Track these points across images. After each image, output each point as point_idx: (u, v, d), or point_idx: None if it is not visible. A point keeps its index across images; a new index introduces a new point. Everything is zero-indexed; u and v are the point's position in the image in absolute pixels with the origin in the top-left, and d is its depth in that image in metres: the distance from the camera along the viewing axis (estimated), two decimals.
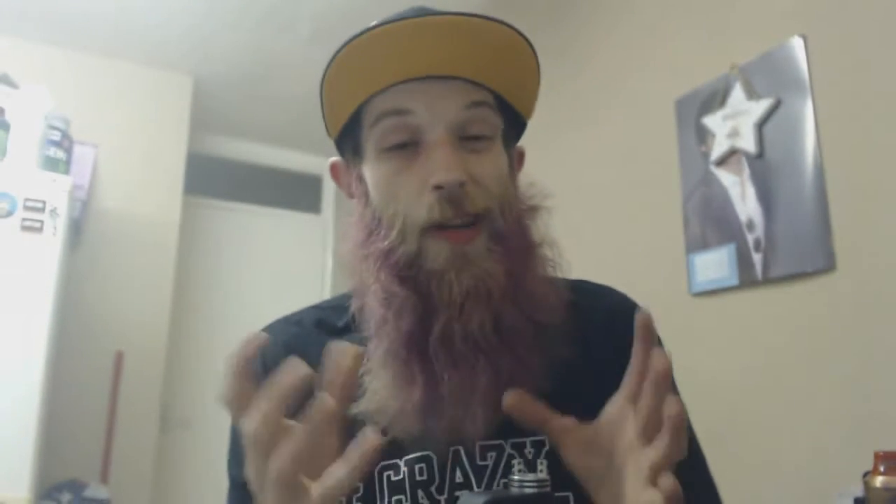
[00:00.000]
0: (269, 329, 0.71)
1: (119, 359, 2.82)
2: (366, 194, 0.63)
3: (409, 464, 0.60)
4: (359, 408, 0.59)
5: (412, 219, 0.58)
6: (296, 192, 3.99)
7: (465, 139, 0.60)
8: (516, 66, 0.61)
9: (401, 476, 0.60)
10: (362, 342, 0.61)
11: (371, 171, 0.62)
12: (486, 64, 0.59)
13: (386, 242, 0.59)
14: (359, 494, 0.61)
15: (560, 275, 0.64)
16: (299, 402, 0.42)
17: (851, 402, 1.38)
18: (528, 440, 0.61)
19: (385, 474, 0.61)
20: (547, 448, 0.60)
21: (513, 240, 0.60)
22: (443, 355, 0.56)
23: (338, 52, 0.58)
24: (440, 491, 0.60)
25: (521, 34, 0.58)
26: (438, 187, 0.57)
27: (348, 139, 0.65)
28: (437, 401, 0.56)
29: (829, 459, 1.39)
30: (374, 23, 0.58)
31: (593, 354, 0.64)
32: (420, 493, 0.60)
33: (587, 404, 0.58)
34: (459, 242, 0.57)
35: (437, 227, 0.57)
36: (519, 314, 0.58)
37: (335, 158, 0.70)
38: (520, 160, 0.71)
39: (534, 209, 0.65)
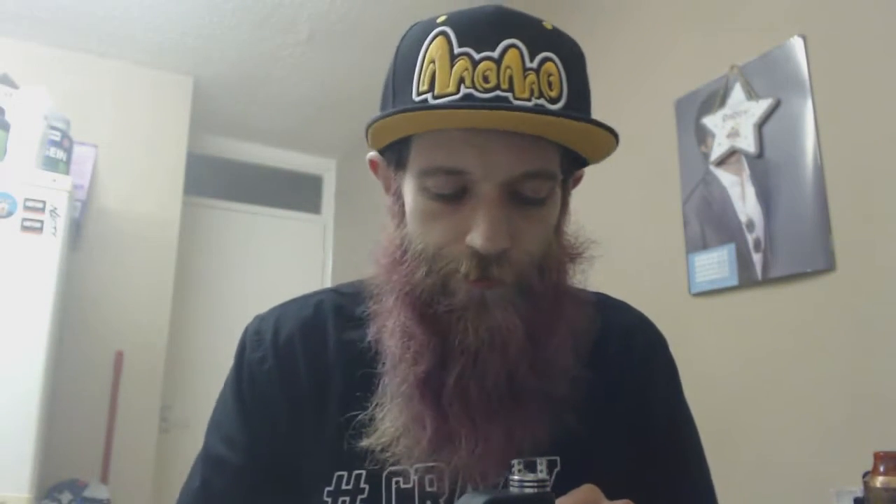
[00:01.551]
0: (286, 306, 0.70)
1: (119, 359, 2.82)
2: (401, 214, 0.60)
3: (420, 472, 0.59)
4: (368, 441, 0.58)
5: (438, 262, 0.55)
6: (296, 193, 3.99)
7: (518, 195, 0.55)
8: (591, 139, 0.56)
9: (410, 484, 0.60)
10: (377, 373, 0.60)
11: (412, 201, 0.58)
12: (556, 131, 0.54)
13: (409, 280, 0.56)
14: (364, 496, 0.61)
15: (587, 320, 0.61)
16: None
17: (851, 401, 1.38)
18: (537, 460, 0.60)
19: (394, 480, 0.60)
20: (558, 469, 0.60)
21: (542, 301, 0.56)
22: (457, 409, 0.55)
23: (400, 111, 0.53)
24: (450, 503, 0.59)
25: (606, 128, 0.53)
26: (476, 250, 0.53)
27: (393, 150, 0.60)
28: (447, 450, 0.55)
29: (829, 459, 1.39)
30: (453, 96, 0.52)
31: (608, 371, 0.64)
32: (429, 503, 0.60)
33: (600, 421, 0.59)
34: (480, 287, 0.54)
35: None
36: (533, 379, 0.55)
37: (375, 154, 0.65)
38: (576, 181, 0.67)
39: (574, 258, 0.62)
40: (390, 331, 0.57)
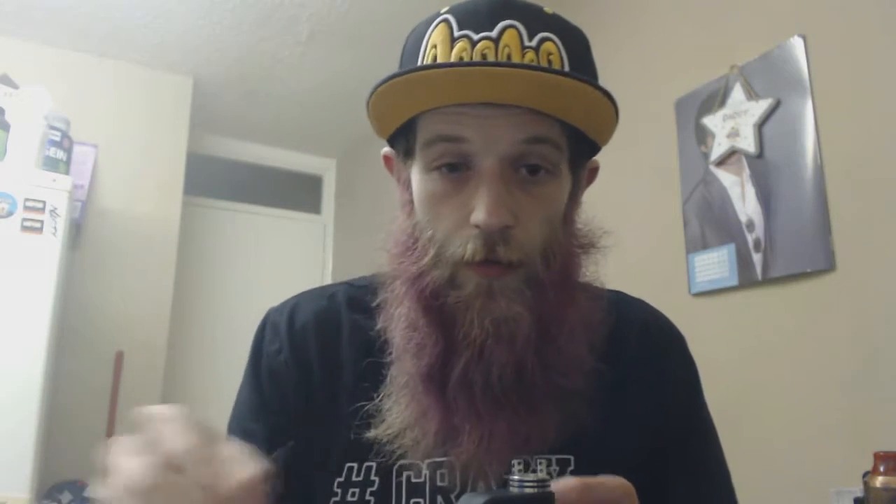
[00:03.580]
0: (302, 297, 0.70)
1: (119, 359, 2.82)
2: (410, 203, 0.60)
3: (432, 467, 0.59)
4: (375, 432, 0.58)
5: (447, 249, 0.55)
6: (296, 193, 3.99)
7: (521, 169, 0.55)
8: (587, 104, 0.55)
9: (421, 479, 0.59)
10: (385, 363, 0.60)
11: (418, 185, 0.58)
12: (552, 98, 0.53)
13: (417, 266, 0.56)
14: (374, 489, 0.60)
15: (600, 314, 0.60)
16: None
17: (851, 401, 1.38)
18: (553, 458, 0.59)
19: (405, 474, 0.60)
20: (572, 468, 0.60)
21: (551, 290, 0.55)
22: (462, 402, 0.54)
23: (395, 75, 0.53)
24: (457, 496, 0.59)
25: (603, 91, 0.54)
26: (478, 227, 0.53)
27: (401, 139, 0.61)
28: (453, 438, 0.55)
29: (829, 459, 1.39)
30: (436, 60, 0.53)
31: (625, 368, 0.64)
32: (440, 498, 0.59)
33: (615, 419, 0.59)
34: (489, 276, 0.54)
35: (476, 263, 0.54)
36: (542, 371, 0.55)
37: (388, 150, 0.66)
38: (591, 176, 0.67)
39: (586, 249, 0.61)
40: (396, 320, 0.58)
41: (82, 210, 2.78)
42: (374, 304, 0.61)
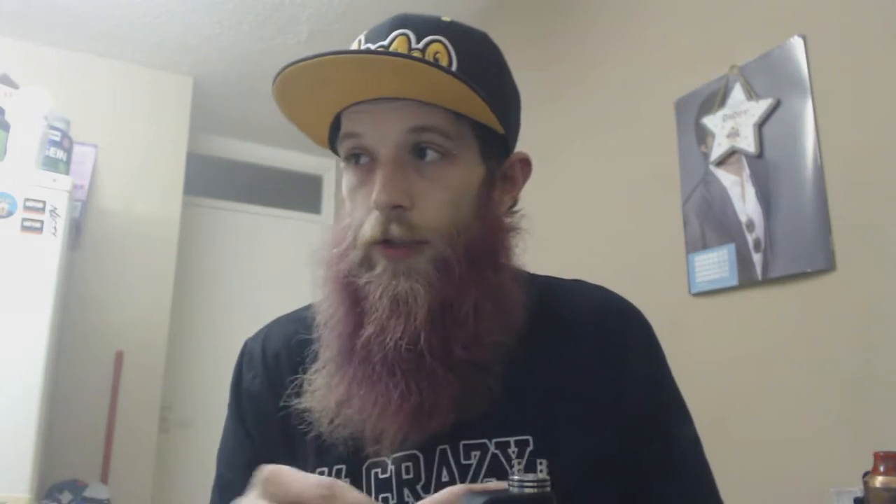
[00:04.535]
0: (273, 325, 0.74)
1: (119, 359, 2.82)
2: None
3: (397, 462, 0.61)
4: (304, 403, 0.62)
5: (361, 233, 0.60)
6: (296, 193, 3.99)
7: (413, 154, 0.60)
8: (449, 89, 0.58)
9: (388, 474, 0.61)
10: (313, 339, 0.64)
11: (343, 180, 0.65)
12: (437, 90, 0.57)
13: (337, 250, 0.61)
14: None
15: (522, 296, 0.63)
16: None
17: (851, 401, 1.38)
18: (511, 439, 0.61)
19: (372, 472, 0.62)
20: (531, 448, 0.60)
21: (456, 268, 0.59)
22: (360, 370, 0.58)
23: (282, 70, 0.59)
24: (426, 489, 0.61)
25: (469, 85, 0.56)
26: (375, 207, 0.58)
27: (335, 144, 0.67)
28: (352, 403, 0.59)
29: (829, 459, 1.39)
30: (311, 55, 0.58)
31: (580, 352, 0.65)
32: (406, 491, 0.61)
33: (574, 399, 0.60)
34: (394, 259, 0.58)
35: (381, 243, 0.59)
36: (440, 344, 0.57)
37: None
38: (523, 168, 0.69)
39: (505, 233, 0.64)
40: (320, 303, 0.62)
41: (82, 210, 2.78)
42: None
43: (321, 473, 0.63)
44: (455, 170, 0.61)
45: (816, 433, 1.44)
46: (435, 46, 0.60)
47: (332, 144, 0.68)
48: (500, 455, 0.60)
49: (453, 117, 0.60)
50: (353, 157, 0.62)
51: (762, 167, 1.62)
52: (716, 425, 1.58)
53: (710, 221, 1.73)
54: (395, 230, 0.58)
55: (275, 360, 0.69)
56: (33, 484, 2.01)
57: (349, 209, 0.63)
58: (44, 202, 2.18)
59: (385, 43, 0.60)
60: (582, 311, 0.68)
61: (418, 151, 0.60)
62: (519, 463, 0.47)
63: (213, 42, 2.92)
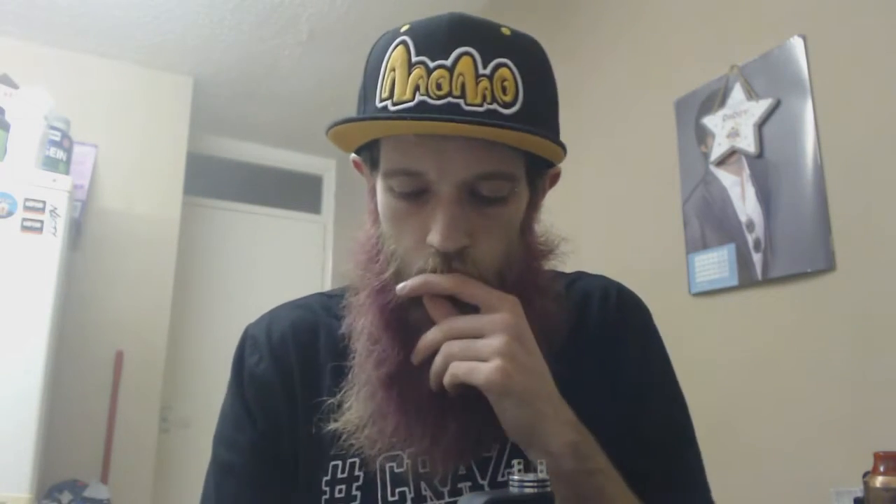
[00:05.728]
0: (277, 311, 0.73)
1: (119, 359, 2.82)
2: (376, 212, 0.63)
3: (413, 456, 0.61)
4: (334, 426, 0.61)
5: (408, 266, 0.58)
6: (296, 193, 3.99)
7: (476, 193, 0.58)
8: (534, 146, 0.58)
9: (404, 468, 0.62)
10: (347, 365, 0.63)
11: (381, 198, 0.61)
12: (502, 136, 0.55)
13: (380, 279, 0.59)
14: (359, 483, 0.63)
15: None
16: None
17: (850, 401, 1.38)
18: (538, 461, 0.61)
19: (388, 465, 0.62)
20: None
21: None
22: (412, 406, 0.58)
23: (352, 120, 0.57)
24: (443, 483, 0.61)
25: (543, 135, 0.55)
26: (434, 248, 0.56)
27: (366, 150, 0.63)
28: (407, 438, 0.58)
29: (829, 459, 1.39)
30: (405, 102, 0.56)
31: (588, 336, 0.66)
32: (423, 484, 0.62)
33: (579, 385, 0.61)
34: None
35: None
36: None
37: (356, 157, 0.68)
38: (553, 180, 0.69)
39: (544, 257, 0.65)
40: (359, 331, 0.61)
41: (82, 210, 2.78)
42: (340, 306, 0.66)
43: (335, 467, 0.64)
44: (512, 207, 0.60)
45: (816, 433, 1.44)
46: (502, 72, 0.56)
47: (362, 150, 0.64)
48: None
49: (514, 155, 0.58)
50: (405, 193, 0.59)
51: (762, 167, 1.62)
52: (715, 424, 1.58)
53: (710, 221, 1.73)
54: (458, 267, 0.57)
55: (281, 343, 0.69)
56: (33, 484, 2.01)
57: (390, 233, 0.60)
58: (44, 202, 2.18)
59: (447, 64, 0.55)
60: (589, 295, 0.70)
61: (482, 199, 0.58)
62: (519, 463, 0.48)
63: (214, 42, 2.92)
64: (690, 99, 1.83)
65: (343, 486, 0.63)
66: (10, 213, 2.14)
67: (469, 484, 0.62)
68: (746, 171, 1.65)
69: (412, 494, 0.62)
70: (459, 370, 0.54)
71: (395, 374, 0.58)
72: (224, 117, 3.53)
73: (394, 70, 0.57)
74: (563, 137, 0.63)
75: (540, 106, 0.59)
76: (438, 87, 0.55)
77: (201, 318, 3.44)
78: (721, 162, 1.72)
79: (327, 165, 4.03)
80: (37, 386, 2.05)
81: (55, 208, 2.20)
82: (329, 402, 0.63)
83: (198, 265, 3.49)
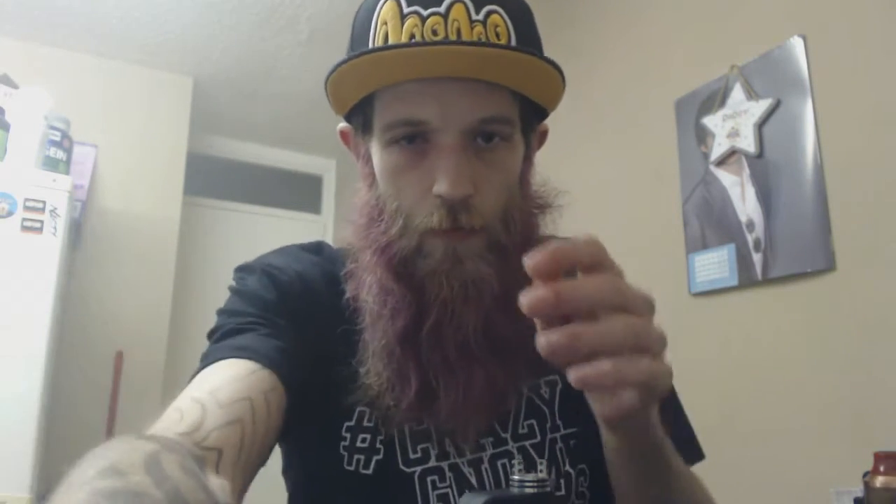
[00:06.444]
0: (274, 257, 0.69)
1: (119, 359, 2.82)
2: (372, 175, 0.62)
3: (435, 413, 0.60)
4: (354, 398, 0.60)
5: (413, 219, 0.58)
6: (296, 193, 3.99)
7: (477, 139, 0.58)
8: (536, 75, 0.58)
9: (425, 424, 0.61)
10: (356, 330, 0.61)
11: (378, 157, 0.60)
12: (504, 72, 0.56)
13: (386, 236, 0.58)
14: (382, 437, 0.61)
15: None
16: None
17: (851, 401, 1.38)
18: (542, 381, 0.64)
19: (407, 426, 0.61)
20: (560, 386, 0.63)
21: (511, 249, 0.58)
22: (436, 359, 0.57)
23: (353, 57, 0.55)
24: (465, 439, 0.61)
25: (548, 61, 0.56)
26: (441, 197, 0.56)
27: (358, 114, 0.62)
28: (432, 400, 0.58)
29: (828, 458, 1.39)
30: (391, 40, 0.55)
31: None
32: (447, 440, 0.61)
33: None
34: (453, 242, 0.57)
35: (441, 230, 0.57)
36: (510, 324, 0.57)
37: (345, 125, 0.67)
38: (541, 139, 0.69)
39: (543, 209, 0.64)
40: (368, 287, 0.60)
41: (82, 210, 2.78)
42: (342, 273, 0.64)
43: (362, 414, 0.61)
44: (512, 153, 0.60)
45: (816, 433, 1.44)
46: (494, 18, 0.57)
47: (351, 112, 0.63)
48: (534, 397, 0.63)
49: (514, 99, 0.58)
50: (404, 139, 0.58)
51: (762, 167, 1.62)
52: (716, 424, 1.57)
53: (710, 221, 1.73)
54: (464, 219, 0.56)
55: (289, 285, 0.64)
56: (33, 484, 2.01)
57: (391, 191, 0.59)
58: (44, 202, 2.18)
59: (441, 10, 0.56)
60: None
61: (483, 137, 0.58)
62: (520, 463, 0.48)
63: (213, 42, 2.92)
64: (691, 99, 1.83)
65: (368, 437, 0.61)
66: (10, 214, 2.13)
67: (491, 439, 0.62)
68: (746, 171, 1.65)
69: (436, 451, 0.61)
70: (641, 374, 0.41)
71: (410, 326, 0.57)
72: (224, 117, 3.53)
73: (385, 23, 0.57)
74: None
75: (533, 49, 0.59)
76: (434, 32, 0.55)
77: (202, 318, 3.43)
78: (721, 162, 1.72)
79: (327, 165, 4.03)
80: (37, 386, 2.05)
81: (55, 208, 2.20)
82: (339, 372, 0.60)
83: (198, 265, 3.49)
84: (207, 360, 0.60)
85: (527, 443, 0.63)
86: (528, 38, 0.60)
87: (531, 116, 0.62)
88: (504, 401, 0.60)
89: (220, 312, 0.66)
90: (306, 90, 3.26)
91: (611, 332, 0.40)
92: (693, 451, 0.69)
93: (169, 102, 3.16)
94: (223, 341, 0.61)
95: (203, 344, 0.65)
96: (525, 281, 0.57)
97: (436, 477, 0.61)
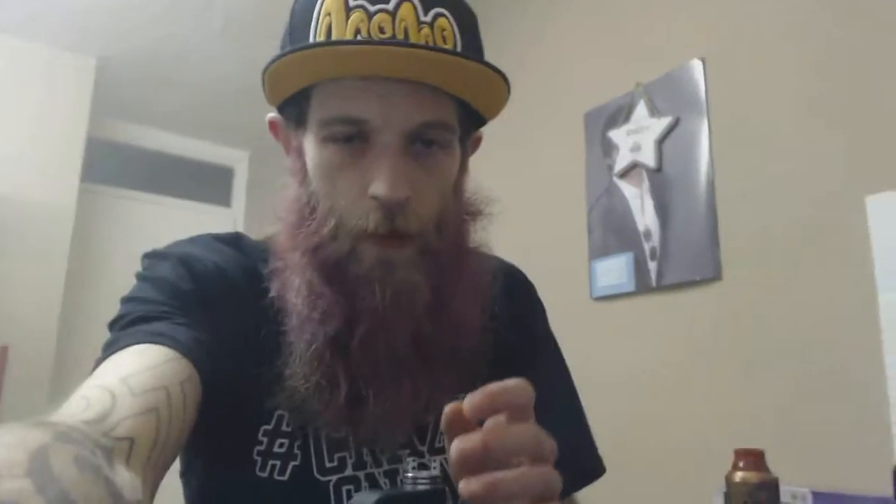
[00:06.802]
0: (189, 246, 0.65)
1: (4, 353, 2.64)
2: (303, 171, 0.60)
3: (356, 423, 0.59)
4: (275, 401, 0.58)
5: (347, 221, 0.56)
6: (205, 184, 3.86)
7: (416, 142, 0.57)
8: (482, 83, 0.57)
9: (342, 433, 0.59)
10: (281, 331, 0.58)
11: (313, 153, 0.58)
12: (450, 77, 0.55)
13: (317, 237, 0.56)
14: (300, 442, 0.59)
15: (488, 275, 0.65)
16: None
17: (735, 401, 1.48)
18: (462, 396, 0.63)
19: (324, 433, 0.60)
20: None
21: (444, 258, 0.58)
22: (366, 368, 0.56)
23: (297, 49, 0.53)
24: (383, 451, 0.61)
25: (495, 70, 0.55)
26: (378, 199, 0.54)
27: (292, 107, 0.60)
28: (361, 408, 0.56)
29: (715, 459, 1.49)
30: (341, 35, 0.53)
31: (503, 314, 0.68)
32: (365, 450, 0.61)
33: (500, 362, 0.62)
34: (386, 250, 0.55)
35: (375, 235, 0.55)
36: (439, 334, 0.57)
37: (275, 115, 0.64)
38: (474, 145, 0.68)
39: (474, 216, 0.64)
40: (297, 288, 0.57)
41: None
42: (265, 271, 0.60)
43: (280, 417, 0.59)
44: (450, 159, 0.59)
45: (701, 431, 1.53)
46: (442, 22, 0.56)
47: (285, 104, 0.60)
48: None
49: (455, 105, 0.58)
50: (341, 138, 0.56)
51: (660, 181, 1.71)
52: (611, 422, 1.65)
53: (612, 230, 1.81)
54: (400, 223, 0.55)
55: (205, 275, 0.60)
56: None
57: (325, 189, 0.57)
58: None
59: (389, 8, 0.54)
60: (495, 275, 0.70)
61: (423, 142, 0.56)
62: (414, 461, 0.49)
63: (120, 22, 2.78)
64: (599, 112, 1.91)
65: (286, 441, 0.59)
66: None
67: (409, 451, 0.62)
68: (646, 184, 1.74)
69: (353, 460, 0.60)
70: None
71: (342, 332, 0.55)
72: (130, 102, 3.36)
73: (329, 15, 0.55)
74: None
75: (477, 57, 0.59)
76: (381, 30, 0.54)
77: (96, 312, 3.25)
78: (624, 174, 1.80)
79: (239, 157, 3.92)
80: None
81: None
82: (262, 373, 0.57)
83: (94, 256, 3.31)
84: (116, 346, 0.55)
85: (443, 457, 0.63)
86: (473, 46, 0.60)
87: (469, 123, 0.62)
88: (427, 413, 0.59)
89: (126, 300, 0.60)
90: (220, 78, 3.16)
91: (530, 482, 0.41)
92: (593, 464, 0.70)
93: (68, 83, 2.98)
94: (133, 328, 0.56)
95: (97, 340, 0.60)
96: (455, 288, 0.58)
97: (351, 486, 0.60)
